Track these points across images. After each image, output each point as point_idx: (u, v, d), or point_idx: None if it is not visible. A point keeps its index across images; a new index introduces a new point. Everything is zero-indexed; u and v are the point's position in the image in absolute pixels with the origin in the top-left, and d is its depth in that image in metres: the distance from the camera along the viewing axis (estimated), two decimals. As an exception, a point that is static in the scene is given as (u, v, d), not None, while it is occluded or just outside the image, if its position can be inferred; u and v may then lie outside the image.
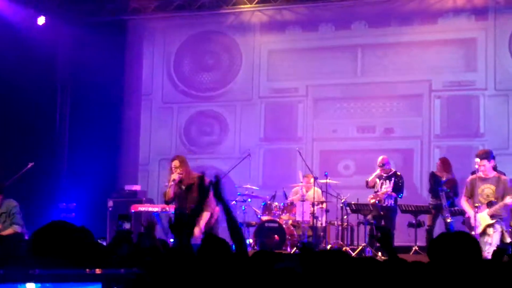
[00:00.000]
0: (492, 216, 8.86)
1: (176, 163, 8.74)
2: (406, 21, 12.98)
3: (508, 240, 8.77)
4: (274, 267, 4.21)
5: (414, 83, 12.84)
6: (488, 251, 8.39)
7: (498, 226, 8.85)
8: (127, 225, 4.93)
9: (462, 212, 9.85)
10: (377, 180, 11.02)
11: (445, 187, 10.64)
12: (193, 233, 8.19)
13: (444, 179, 10.76)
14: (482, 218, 8.96)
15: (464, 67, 12.62)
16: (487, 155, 9.14)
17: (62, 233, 3.84)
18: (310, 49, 13.45)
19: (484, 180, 9.03)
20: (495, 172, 9.21)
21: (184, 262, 3.65)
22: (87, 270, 2.86)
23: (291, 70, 13.47)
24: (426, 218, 10.89)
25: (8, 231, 9.07)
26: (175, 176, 8.66)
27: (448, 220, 10.10)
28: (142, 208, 11.52)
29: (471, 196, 9.11)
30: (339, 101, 13.20)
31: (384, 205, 10.84)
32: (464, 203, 9.24)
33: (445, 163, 11.03)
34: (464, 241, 3.54)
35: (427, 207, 10.86)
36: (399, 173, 11.08)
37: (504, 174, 9.50)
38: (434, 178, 10.91)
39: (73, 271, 2.93)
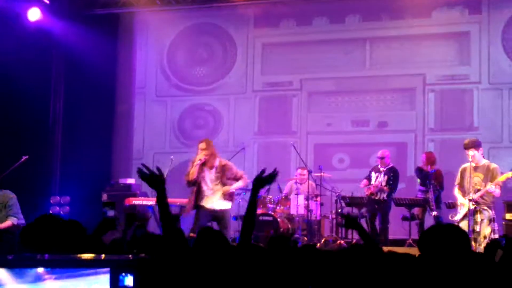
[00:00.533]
0: (475, 203, 8.79)
1: (202, 145, 8.90)
2: (399, 14, 12.98)
3: (487, 231, 8.68)
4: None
5: (408, 77, 12.85)
6: (474, 238, 8.44)
7: (486, 214, 8.79)
8: (111, 212, 4.92)
9: (450, 205, 9.84)
10: (373, 173, 11.04)
11: (433, 181, 10.68)
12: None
13: (431, 170, 10.78)
14: (463, 204, 8.95)
15: (458, 61, 12.63)
16: (474, 144, 9.11)
17: (53, 226, 3.83)
18: (304, 43, 13.43)
19: (475, 168, 8.99)
20: (485, 161, 9.17)
21: (182, 248, 3.64)
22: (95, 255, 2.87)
23: (285, 63, 13.45)
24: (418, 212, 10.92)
25: (6, 223, 9.03)
26: (201, 156, 8.76)
27: (433, 213, 10.11)
28: (137, 201, 11.49)
29: (462, 184, 9.11)
30: (333, 95, 13.19)
31: (377, 198, 10.85)
32: (456, 191, 9.22)
33: (430, 157, 11.06)
34: (454, 234, 3.55)
35: (420, 200, 10.88)
36: (395, 168, 11.09)
37: None
38: (421, 173, 10.94)
39: (80, 257, 2.93)
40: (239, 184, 8.93)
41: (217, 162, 8.82)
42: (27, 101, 13.02)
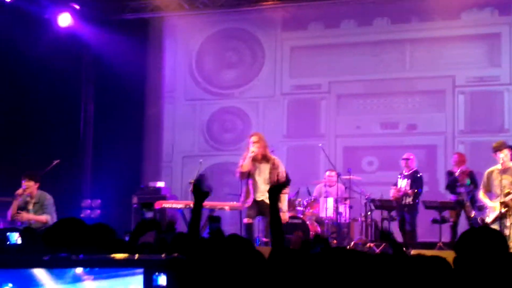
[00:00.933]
0: (505, 206, 8.67)
1: (254, 138, 8.96)
2: (428, 16, 12.88)
3: None
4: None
5: (437, 79, 12.75)
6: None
7: None
8: (149, 214, 4.93)
9: (479, 208, 9.75)
10: (399, 179, 11.04)
11: (465, 182, 10.58)
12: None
13: (457, 173, 10.68)
14: (494, 208, 8.85)
15: (488, 62, 12.50)
16: (505, 146, 8.99)
17: (74, 230, 3.85)
18: (333, 45, 13.40)
19: (503, 171, 8.89)
20: None
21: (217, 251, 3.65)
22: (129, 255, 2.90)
23: (313, 66, 13.42)
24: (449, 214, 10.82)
25: (41, 217, 9.26)
26: (254, 149, 8.82)
27: (472, 215, 9.99)
28: (167, 204, 11.52)
29: (488, 189, 8.99)
30: (362, 97, 13.13)
31: (403, 203, 10.85)
32: (481, 195, 9.12)
33: (460, 157, 10.95)
34: (493, 237, 3.51)
35: (451, 203, 10.77)
36: (418, 171, 11.04)
37: None
38: (450, 176, 10.87)
39: (114, 257, 2.96)
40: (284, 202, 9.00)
41: (267, 156, 8.88)
42: (59, 105, 13.17)
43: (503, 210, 8.69)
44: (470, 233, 3.64)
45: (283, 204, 8.88)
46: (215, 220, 4.83)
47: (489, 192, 9.00)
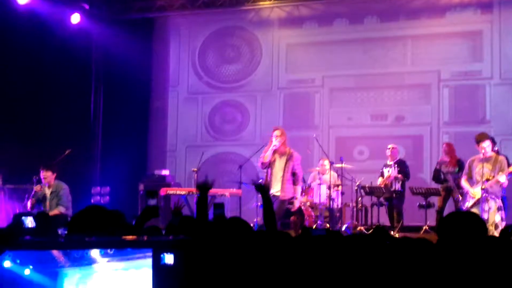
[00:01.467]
0: (485, 192, 8.76)
1: (277, 132, 8.97)
2: (415, 15, 12.92)
3: (497, 219, 8.64)
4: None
5: (424, 74, 12.80)
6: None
7: (492, 203, 8.75)
8: (152, 201, 4.95)
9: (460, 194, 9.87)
10: (384, 169, 11.19)
11: (450, 169, 10.66)
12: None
13: (446, 161, 10.77)
14: (474, 193, 8.94)
15: (471, 58, 12.55)
16: (485, 137, 9.07)
17: (98, 215, 3.89)
18: (326, 43, 13.43)
19: (484, 160, 8.93)
20: (492, 153, 9.09)
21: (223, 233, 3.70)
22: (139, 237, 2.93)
23: (308, 62, 13.46)
24: (436, 200, 10.89)
25: (54, 211, 9.28)
26: (276, 142, 8.86)
27: (458, 196, 10.02)
28: (171, 191, 11.58)
29: (470, 176, 9.09)
30: (354, 91, 13.18)
31: (392, 189, 10.98)
32: (463, 181, 9.20)
33: (449, 146, 11.03)
34: (472, 220, 3.55)
35: (436, 189, 10.88)
36: (403, 160, 11.21)
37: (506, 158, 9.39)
38: (437, 168, 10.96)
39: (125, 238, 2.99)
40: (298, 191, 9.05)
41: (287, 150, 8.91)
42: (70, 98, 13.21)
43: (484, 195, 8.75)
44: (451, 217, 3.68)
45: (297, 192, 8.99)
46: (219, 206, 4.90)
47: (470, 179, 9.06)
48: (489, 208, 8.68)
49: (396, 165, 11.17)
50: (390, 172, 11.12)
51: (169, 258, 2.88)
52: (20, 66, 12.06)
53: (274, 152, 8.89)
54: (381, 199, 11.05)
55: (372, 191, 11.04)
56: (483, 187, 8.73)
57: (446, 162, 10.90)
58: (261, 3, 13.40)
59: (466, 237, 3.45)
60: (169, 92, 14.33)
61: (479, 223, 3.58)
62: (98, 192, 12.82)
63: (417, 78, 12.81)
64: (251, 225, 11.14)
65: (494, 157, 8.98)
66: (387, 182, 11.07)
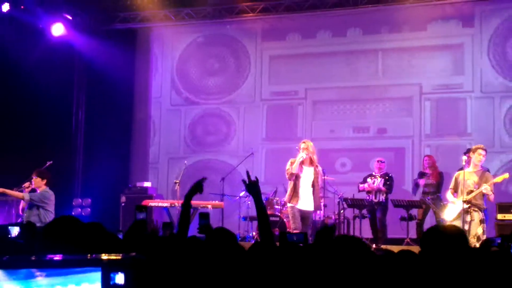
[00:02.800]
0: (468, 203, 8.83)
1: (304, 145, 9.18)
2: (397, 28, 12.99)
3: (479, 231, 8.69)
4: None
5: (406, 86, 12.86)
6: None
7: (476, 215, 8.80)
8: (141, 215, 4.92)
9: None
10: (368, 178, 11.17)
11: (430, 181, 10.73)
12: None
13: (428, 174, 10.82)
14: (454, 206, 9.01)
15: (452, 71, 12.62)
16: (470, 151, 9.21)
17: (70, 227, 3.85)
18: (309, 55, 13.45)
19: (470, 173, 9.02)
20: (481, 168, 9.16)
21: (187, 249, 3.65)
22: (88, 256, 2.82)
23: (291, 74, 13.48)
24: (417, 212, 10.93)
25: (18, 193, 9.26)
26: (303, 154, 9.06)
27: (442, 218, 10.06)
28: (153, 203, 11.54)
29: (456, 189, 9.12)
30: (336, 103, 13.21)
31: (376, 200, 10.98)
32: (449, 195, 9.22)
33: (430, 159, 11.08)
34: (454, 232, 3.57)
35: (418, 202, 10.91)
36: (390, 174, 11.22)
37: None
38: (420, 177, 10.99)
39: (72, 256, 2.89)
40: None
41: (313, 161, 9.12)
42: (52, 110, 13.12)
43: (465, 206, 8.79)
44: (434, 230, 3.72)
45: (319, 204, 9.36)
46: (204, 216, 4.88)
47: (456, 192, 9.12)
48: (472, 220, 8.72)
49: (382, 177, 11.17)
50: (376, 183, 11.10)
51: (119, 278, 2.78)
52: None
53: (301, 164, 9.05)
54: (364, 211, 11.05)
55: (354, 203, 11.04)
56: (464, 199, 8.77)
57: (428, 174, 10.95)
58: (244, 14, 13.41)
59: (448, 249, 3.47)
60: (151, 104, 14.27)
61: (461, 235, 3.60)
62: (79, 204, 12.72)
63: (399, 91, 12.86)
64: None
65: (481, 171, 9.05)
66: (370, 189, 11.07)
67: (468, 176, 8.97)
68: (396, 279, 3.37)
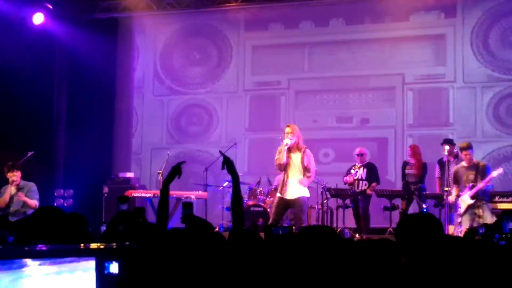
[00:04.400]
0: (473, 198, 9.27)
1: (288, 129, 8.61)
2: (380, 18, 12.99)
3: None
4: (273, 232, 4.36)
5: (388, 76, 12.86)
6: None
7: (485, 208, 9.26)
8: (123, 206, 4.89)
9: (435, 196, 10.13)
10: (352, 170, 11.18)
11: (413, 172, 10.83)
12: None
13: (411, 163, 10.91)
14: (463, 201, 9.39)
15: (434, 61, 12.65)
16: (468, 146, 9.55)
17: (53, 218, 3.81)
18: (292, 45, 13.41)
19: (467, 168, 9.48)
20: (475, 160, 9.63)
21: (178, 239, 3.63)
22: (81, 245, 2.81)
23: (274, 64, 13.43)
24: (400, 202, 10.98)
25: (32, 202, 9.26)
26: (287, 141, 8.50)
27: (424, 207, 10.20)
28: (136, 193, 11.50)
29: (457, 183, 9.54)
30: (319, 93, 13.19)
31: (358, 190, 11.01)
32: (453, 191, 9.60)
33: (415, 149, 11.14)
34: (427, 221, 3.59)
35: (400, 192, 10.95)
36: (372, 163, 11.28)
37: None
38: (403, 170, 11.09)
39: (66, 246, 2.87)
40: (306, 182, 8.60)
41: (300, 146, 8.55)
42: (32, 100, 12.97)
43: (472, 201, 9.25)
44: (408, 219, 3.73)
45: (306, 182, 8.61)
46: (188, 206, 4.84)
47: (458, 185, 9.53)
48: (483, 213, 9.10)
49: (365, 167, 11.21)
50: (359, 173, 11.14)
51: (113, 267, 2.77)
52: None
53: (289, 150, 8.53)
54: (347, 201, 11.07)
55: (337, 193, 11.05)
56: (470, 195, 9.27)
57: (411, 164, 11.00)
58: (227, 4, 13.33)
59: (421, 237, 3.49)
60: (134, 94, 14.15)
61: (436, 223, 3.62)
62: (61, 194, 12.61)
63: (382, 81, 12.87)
64: (217, 228, 11.10)
65: (476, 163, 9.51)
66: (351, 181, 11.10)
67: (466, 172, 9.46)
68: (374, 266, 3.38)
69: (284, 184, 8.61)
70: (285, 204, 8.71)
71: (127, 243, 3.14)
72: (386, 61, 12.83)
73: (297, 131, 8.66)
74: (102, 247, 2.79)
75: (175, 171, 4.88)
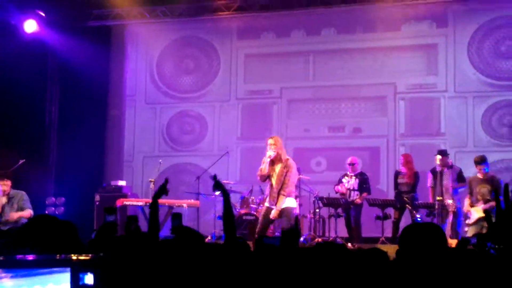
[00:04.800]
0: (485, 211, 9.24)
1: (271, 141, 8.62)
2: (372, 27, 13.01)
3: None
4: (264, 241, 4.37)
5: (380, 86, 12.88)
6: None
7: None
8: (110, 217, 4.88)
9: (427, 206, 10.15)
10: (343, 179, 11.17)
11: (405, 180, 10.83)
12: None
13: (403, 173, 10.92)
14: (476, 211, 9.54)
15: (426, 71, 12.69)
16: (483, 160, 9.79)
17: (49, 226, 3.79)
18: (284, 54, 13.43)
19: (481, 180, 9.68)
20: (491, 173, 9.89)
21: (155, 248, 3.62)
22: (57, 256, 2.78)
23: (266, 73, 13.44)
24: (392, 211, 10.98)
25: (25, 213, 9.19)
26: (271, 152, 8.52)
27: (418, 216, 10.21)
28: (127, 202, 11.45)
29: (471, 193, 9.74)
30: (311, 102, 13.21)
31: (350, 200, 11.01)
32: (466, 201, 9.82)
33: (406, 157, 11.15)
34: (431, 231, 3.60)
35: (393, 201, 10.94)
36: (364, 173, 11.28)
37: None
38: (395, 180, 11.09)
39: (40, 256, 2.84)
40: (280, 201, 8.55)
41: (281, 158, 8.54)
42: (24, 108, 12.95)
43: (483, 214, 9.29)
44: (413, 228, 3.74)
45: (279, 202, 8.55)
46: (177, 217, 4.84)
47: (471, 196, 9.76)
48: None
49: (357, 177, 11.21)
50: (351, 183, 11.13)
51: (88, 278, 2.75)
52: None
53: (272, 163, 8.58)
54: (339, 210, 11.07)
55: (329, 202, 11.06)
56: (482, 207, 9.39)
57: (403, 173, 11.01)
58: (219, 13, 13.34)
59: (426, 247, 3.49)
60: (126, 102, 14.11)
61: (439, 234, 3.63)
62: (52, 202, 12.56)
63: (374, 91, 12.89)
64: (209, 237, 11.06)
65: (491, 177, 9.69)
66: (344, 191, 11.09)
67: (480, 184, 9.63)
68: (367, 277, 3.38)
69: (270, 194, 8.69)
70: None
71: (102, 254, 3.11)
72: (378, 70, 12.86)
73: (279, 143, 8.71)
74: (76, 257, 2.76)
75: (162, 191, 4.98)
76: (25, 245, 3.69)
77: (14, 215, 9.17)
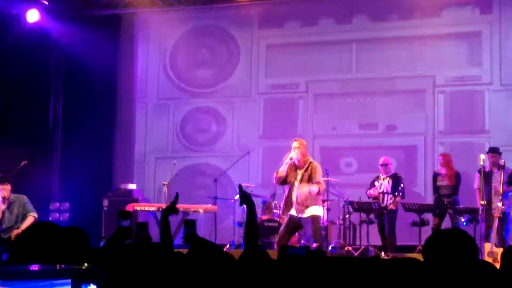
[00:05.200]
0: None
1: (296, 143, 8.64)
2: (408, 14, 12.92)
3: None
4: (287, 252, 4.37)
5: (417, 78, 12.77)
6: None
7: None
8: (125, 223, 4.86)
9: (470, 210, 10.03)
10: (376, 182, 11.07)
11: (445, 183, 10.74)
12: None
13: (442, 174, 10.82)
14: None
15: (469, 62, 12.55)
16: None
17: (46, 235, 3.78)
18: (310, 44, 13.37)
19: None
20: None
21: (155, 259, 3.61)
22: (57, 266, 2.80)
23: (290, 65, 13.39)
24: (430, 217, 10.86)
25: (28, 221, 9.28)
26: (293, 154, 8.54)
27: (463, 220, 10.10)
28: (138, 207, 11.43)
29: None
30: (340, 97, 13.13)
31: (383, 204, 10.90)
32: None
33: (446, 157, 11.02)
34: (459, 240, 3.48)
35: (431, 206, 10.84)
36: (398, 174, 11.13)
37: None
38: (434, 182, 10.99)
39: (42, 267, 2.86)
40: (314, 189, 8.43)
41: (308, 162, 8.55)
42: (26, 104, 13.04)
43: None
44: (437, 237, 3.60)
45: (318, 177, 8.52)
46: (190, 225, 4.80)
47: None
48: None
49: (391, 178, 11.08)
50: (384, 185, 11.02)
51: None
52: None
53: (295, 168, 8.57)
54: (371, 216, 10.98)
55: (360, 207, 10.97)
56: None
57: (442, 175, 10.89)
58: (238, 0, 13.34)
59: (453, 259, 3.38)
60: (137, 97, 14.14)
61: (469, 243, 3.51)
62: (57, 208, 12.62)
63: (410, 84, 12.79)
64: (227, 245, 11.04)
65: None
66: (376, 195, 10.98)
67: None
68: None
69: (289, 203, 8.62)
70: (296, 223, 8.63)
71: (108, 263, 3.12)
72: (415, 61, 12.75)
73: (304, 146, 8.71)
74: (78, 268, 2.79)
75: (171, 210, 4.99)
76: (25, 256, 3.69)
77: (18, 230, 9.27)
